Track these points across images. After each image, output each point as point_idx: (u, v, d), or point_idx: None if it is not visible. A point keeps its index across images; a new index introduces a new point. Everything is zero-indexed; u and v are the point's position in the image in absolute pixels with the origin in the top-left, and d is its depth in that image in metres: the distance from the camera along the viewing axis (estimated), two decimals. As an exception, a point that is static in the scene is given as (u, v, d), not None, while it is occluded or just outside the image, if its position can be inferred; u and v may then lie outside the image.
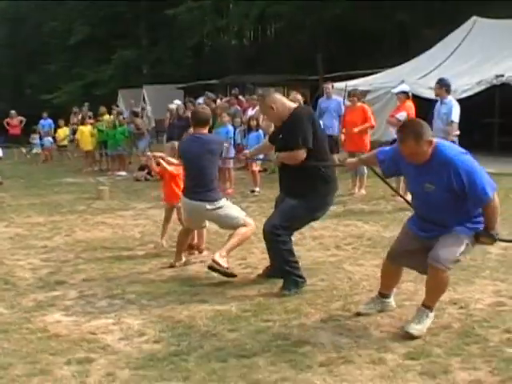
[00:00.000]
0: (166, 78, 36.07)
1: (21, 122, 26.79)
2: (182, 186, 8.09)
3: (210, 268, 7.04)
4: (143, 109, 28.85)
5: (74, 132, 23.30)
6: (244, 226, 7.32)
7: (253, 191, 14.02)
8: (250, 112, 18.06)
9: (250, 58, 40.61)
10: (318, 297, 6.43)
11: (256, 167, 14.28)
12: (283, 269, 6.68)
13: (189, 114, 19.14)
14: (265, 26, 44.04)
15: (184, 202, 7.57)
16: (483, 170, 5.08)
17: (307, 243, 8.88)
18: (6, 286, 7.22)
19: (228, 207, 7.44)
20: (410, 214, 5.87)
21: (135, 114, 21.65)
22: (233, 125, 16.25)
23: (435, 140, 5.11)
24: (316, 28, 32.92)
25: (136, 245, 9.28)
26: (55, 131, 24.72)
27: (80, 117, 23.95)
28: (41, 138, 25.42)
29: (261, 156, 8.17)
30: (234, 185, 14.80)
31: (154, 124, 25.30)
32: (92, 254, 8.78)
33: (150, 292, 6.80)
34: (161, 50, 41.41)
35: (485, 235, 5.18)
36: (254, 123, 15.00)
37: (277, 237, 6.57)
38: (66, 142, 22.94)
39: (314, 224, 8.25)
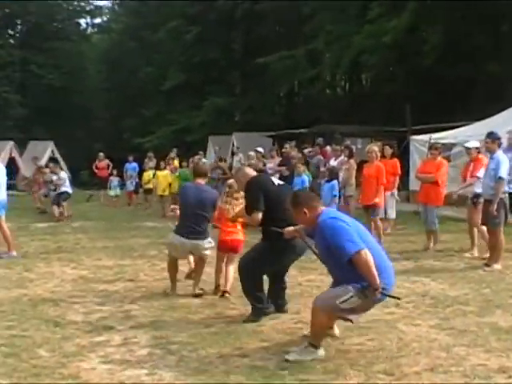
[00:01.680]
0: (257, 126, 36.35)
1: (108, 165, 27.42)
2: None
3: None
4: (233, 153, 29.16)
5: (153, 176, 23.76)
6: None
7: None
8: (332, 162, 17.89)
9: (342, 108, 40.54)
10: (363, 357, 6.18)
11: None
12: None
13: (268, 163, 19.28)
14: (358, 75, 43.97)
15: (177, 239, 8.82)
16: (348, 230, 5.91)
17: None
18: (54, 329, 7.29)
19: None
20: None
21: (221, 159, 21.87)
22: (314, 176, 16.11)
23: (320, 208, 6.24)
24: (407, 78, 32.59)
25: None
26: (140, 174, 25.20)
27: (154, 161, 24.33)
28: (124, 182, 25.97)
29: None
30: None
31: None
32: (148, 300, 8.77)
33: (192, 343, 6.71)
34: (253, 98, 41.80)
35: (367, 289, 5.87)
36: (325, 173, 14.81)
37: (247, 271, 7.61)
38: (150, 186, 23.28)
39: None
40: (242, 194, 8.37)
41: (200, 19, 42.82)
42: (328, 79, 42.79)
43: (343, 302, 5.91)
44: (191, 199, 8.81)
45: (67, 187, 21.41)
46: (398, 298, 6.70)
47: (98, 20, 62.77)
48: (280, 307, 7.97)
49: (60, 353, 6.38)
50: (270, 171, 18.60)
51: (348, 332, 6.92)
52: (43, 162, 29.24)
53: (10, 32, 55.91)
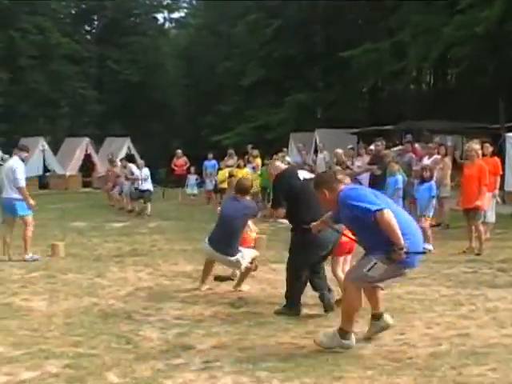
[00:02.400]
0: (340, 122, 35.42)
1: (186, 163, 26.93)
2: None
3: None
4: (317, 151, 28.35)
5: (230, 175, 23.10)
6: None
7: (423, 250, 12.78)
8: (426, 161, 16.88)
9: (427, 104, 39.21)
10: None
11: (426, 222, 13.04)
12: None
13: (356, 161, 18.41)
14: (445, 70, 42.51)
15: (207, 247, 9.23)
16: (368, 195, 6.32)
17: (479, 317, 7.70)
18: (126, 347, 6.57)
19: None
20: None
21: (304, 163, 21.22)
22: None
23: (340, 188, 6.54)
24: (500, 72, 31.05)
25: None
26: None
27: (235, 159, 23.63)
28: (203, 180, 25.42)
29: None
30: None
31: (323, 170, 24.53)
32: (232, 313, 8.06)
33: (285, 369, 5.89)
34: (336, 93, 40.78)
35: (391, 251, 6.07)
36: (427, 174, 13.77)
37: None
38: (225, 185, 22.57)
39: (489, 293, 7.08)
40: None
41: (280, 12, 42.08)
42: (414, 74, 41.45)
43: (369, 269, 6.23)
44: (225, 212, 9.28)
45: (149, 183, 21.52)
46: (427, 251, 6.95)
47: (175, 15, 62.76)
48: (328, 300, 8.00)
49: (132, 378, 5.63)
50: (358, 170, 17.80)
51: (463, 359, 6.09)
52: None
53: (87, 28, 56.16)
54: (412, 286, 9.52)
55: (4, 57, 42.44)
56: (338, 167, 16.63)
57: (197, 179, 25.38)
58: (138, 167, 22.33)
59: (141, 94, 50.40)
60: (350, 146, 19.50)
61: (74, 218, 19.70)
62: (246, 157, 22.84)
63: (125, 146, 35.47)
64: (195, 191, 25.14)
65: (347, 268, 8.12)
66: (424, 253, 6.70)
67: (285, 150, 24.58)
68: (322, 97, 41.58)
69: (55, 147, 37.00)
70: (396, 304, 8.39)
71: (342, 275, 8.00)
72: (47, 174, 33.90)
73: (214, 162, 25.53)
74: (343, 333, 6.40)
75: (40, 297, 8.96)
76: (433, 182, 13.77)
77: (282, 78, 42.38)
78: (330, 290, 8.18)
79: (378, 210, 6.07)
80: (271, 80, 43.06)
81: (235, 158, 23.92)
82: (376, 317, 6.86)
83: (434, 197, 13.43)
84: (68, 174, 34.20)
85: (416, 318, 7.65)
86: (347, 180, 7.47)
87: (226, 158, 24.62)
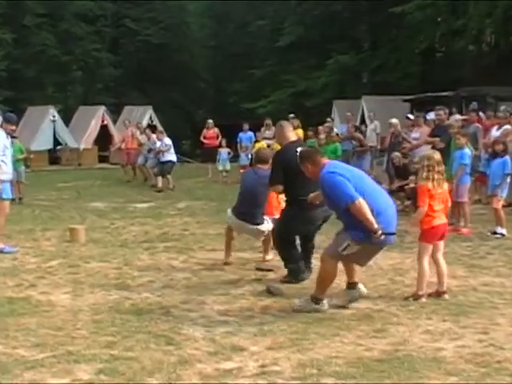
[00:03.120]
0: (388, 88, 35.04)
1: (217, 135, 26.73)
2: None
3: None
4: (364, 121, 28.08)
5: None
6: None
7: (494, 233, 12.56)
8: (494, 133, 16.50)
9: (489, 67, 38.53)
10: None
11: (498, 203, 12.76)
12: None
13: (413, 133, 18.09)
14: (508, 28, 41.73)
15: (232, 219, 10.22)
16: (343, 184, 7.42)
17: None
18: (167, 348, 6.42)
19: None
20: None
21: (356, 128, 20.87)
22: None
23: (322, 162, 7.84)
24: None
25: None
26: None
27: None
28: (236, 154, 25.21)
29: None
30: (471, 223, 13.36)
31: (374, 142, 24.20)
32: (285, 307, 7.89)
33: (353, 375, 5.73)
34: (384, 55, 40.38)
35: (370, 236, 7.34)
36: (500, 147, 13.41)
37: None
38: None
39: None
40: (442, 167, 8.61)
41: (321, -39, 41.76)
42: (474, 33, 40.76)
43: (343, 249, 7.49)
44: (248, 185, 10.25)
45: (172, 154, 22.06)
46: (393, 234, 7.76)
47: (200, -34, 62.42)
48: (307, 269, 9.38)
49: (180, 386, 5.47)
50: (416, 142, 17.49)
51: None
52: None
53: (101, -19, 56.16)
54: (488, 276, 9.42)
55: (7, 15, 42.30)
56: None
57: (229, 153, 25.11)
58: (157, 137, 22.75)
59: (162, 58, 50.23)
60: (410, 116, 19.15)
61: (91, 197, 19.68)
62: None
63: (146, 115, 35.26)
64: (228, 167, 24.87)
65: (440, 256, 8.42)
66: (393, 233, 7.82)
67: (329, 120, 24.22)
68: (369, 59, 41.24)
69: (66, 117, 36.80)
70: (472, 297, 8.28)
71: (442, 262, 8.39)
72: (58, 147, 33.76)
73: (250, 133, 25.24)
74: (316, 300, 7.70)
75: (61, 289, 8.88)
76: (507, 157, 13.43)
77: (323, 37, 42.08)
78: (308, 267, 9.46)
79: (348, 203, 7.35)
80: (311, 40, 42.74)
81: (273, 128, 23.68)
82: (351, 286, 8.11)
83: (508, 174, 13.11)
84: (82, 147, 34.03)
85: (498, 315, 7.50)
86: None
87: (262, 129, 24.37)
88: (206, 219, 15.21)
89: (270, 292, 8.51)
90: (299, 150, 8.62)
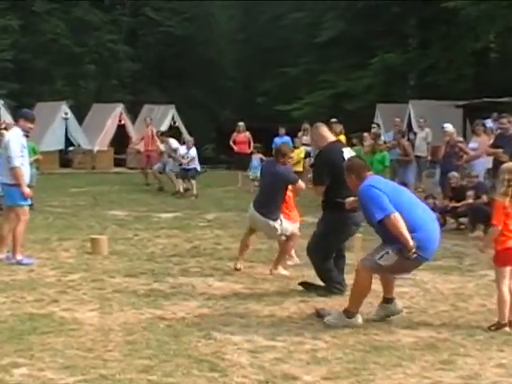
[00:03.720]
0: (438, 92, 34.96)
1: (249, 140, 26.81)
2: None
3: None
4: (411, 129, 27.95)
5: (306, 155, 22.83)
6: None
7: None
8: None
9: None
10: None
11: None
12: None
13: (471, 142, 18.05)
14: None
15: (251, 209, 11.33)
16: (378, 197, 8.10)
17: None
18: (212, 375, 6.48)
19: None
20: None
21: (402, 134, 20.82)
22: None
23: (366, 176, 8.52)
24: None
25: (402, 326, 8.31)
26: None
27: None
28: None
29: None
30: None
31: (425, 152, 24.10)
32: (337, 332, 7.95)
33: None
34: (434, 55, 40.19)
35: (403, 250, 7.92)
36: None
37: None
38: (300, 168, 22.20)
39: None
40: None
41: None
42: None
43: (381, 257, 8.05)
44: (266, 179, 11.49)
45: (196, 165, 23.18)
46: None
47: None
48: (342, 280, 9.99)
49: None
50: (475, 154, 17.49)
51: None
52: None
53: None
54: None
55: (15, -1, 42.57)
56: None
57: (262, 160, 25.12)
58: (187, 145, 23.42)
59: (184, 52, 50.27)
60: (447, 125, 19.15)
61: (109, 205, 19.83)
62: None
63: (168, 115, 35.29)
64: (256, 175, 24.93)
65: None
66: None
67: (374, 125, 24.18)
68: (417, 58, 41.02)
69: (79, 115, 36.89)
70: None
71: None
72: (70, 148, 33.96)
73: (286, 138, 25.25)
74: (349, 314, 8.26)
75: (87, 306, 8.97)
76: None
77: (366, 33, 41.84)
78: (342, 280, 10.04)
79: (384, 217, 7.98)
80: (353, 36, 42.53)
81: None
82: (387, 300, 8.64)
83: None
84: (96, 149, 34.16)
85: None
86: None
87: (299, 134, 24.42)
88: (239, 232, 15.12)
89: (319, 316, 8.54)
90: (349, 157, 9.36)
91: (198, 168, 23.32)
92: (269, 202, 11.05)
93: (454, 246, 13.81)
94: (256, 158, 25.00)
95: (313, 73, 44.61)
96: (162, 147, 23.91)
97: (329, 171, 9.64)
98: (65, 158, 33.53)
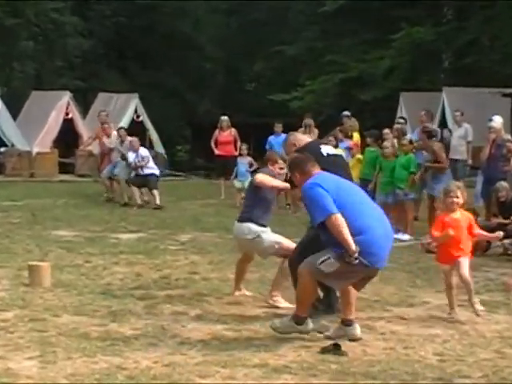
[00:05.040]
0: (480, 77, 35.09)
1: (235, 139, 26.86)
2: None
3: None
4: (443, 123, 28.02)
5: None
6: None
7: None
8: None
9: None
10: None
11: None
12: None
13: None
14: None
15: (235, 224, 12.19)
16: (320, 197, 9.19)
17: None
18: None
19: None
20: None
21: (430, 135, 20.78)
22: None
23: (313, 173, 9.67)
24: None
25: (432, 378, 8.36)
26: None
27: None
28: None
29: None
30: None
31: (463, 155, 24.11)
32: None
33: None
34: (475, 29, 40.49)
35: (344, 254, 8.97)
36: None
37: None
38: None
39: None
40: None
41: None
42: None
43: (322, 262, 9.14)
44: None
45: (152, 168, 24.03)
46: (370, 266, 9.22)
47: None
48: (333, 305, 10.88)
49: None
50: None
51: None
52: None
53: None
54: None
55: None
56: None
57: (251, 165, 25.22)
58: (130, 146, 24.19)
59: (151, 25, 50.62)
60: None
61: (53, 223, 19.89)
62: (337, 130, 22.60)
63: (130, 107, 35.54)
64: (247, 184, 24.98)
65: None
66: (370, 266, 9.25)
67: (401, 120, 24.22)
68: (453, 33, 41.24)
69: (13, 106, 36.82)
70: None
71: None
72: (1, 149, 34.00)
73: (283, 136, 25.32)
74: (298, 319, 9.52)
75: (24, 354, 8.95)
76: None
77: (386, 1, 42.09)
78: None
79: (326, 217, 9.06)
80: (369, 4, 42.76)
81: (316, 131, 23.79)
82: (345, 322, 9.50)
83: None
84: (36, 150, 34.24)
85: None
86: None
87: (300, 132, 24.49)
88: (221, 258, 15.42)
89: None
90: (295, 155, 10.59)
91: (156, 172, 24.07)
92: (253, 208, 11.87)
93: (500, 276, 13.90)
94: (243, 163, 25.13)
95: (317, 52, 44.87)
96: (109, 142, 24.57)
97: None
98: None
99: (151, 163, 23.87)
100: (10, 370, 8.33)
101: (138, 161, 23.42)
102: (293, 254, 10.92)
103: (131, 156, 23.71)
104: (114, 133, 25.12)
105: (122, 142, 24.45)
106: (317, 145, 11.53)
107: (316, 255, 9.26)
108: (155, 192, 23.13)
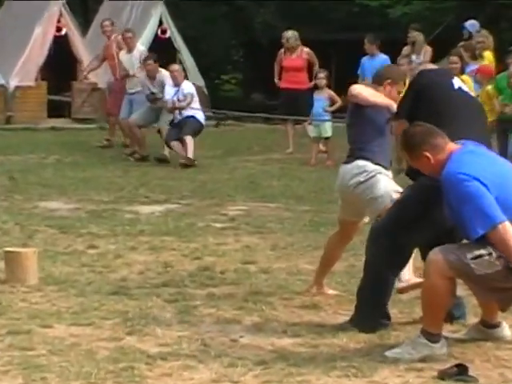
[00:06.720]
0: None
1: (308, 64, 26.98)
2: None
3: None
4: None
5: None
6: None
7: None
8: None
9: None
10: None
11: None
12: None
13: None
14: None
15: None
16: (481, 199, 8.74)
17: None
18: None
19: None
20: None
21: None
22: None
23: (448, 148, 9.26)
24: None
25: None
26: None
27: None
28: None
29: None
30: None
31: None
32: None
33: None
34: None
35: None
36: None
37: None
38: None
39: None
40: None
41: None
42: None
43: (475, 258, 8.83)
44: None
45: (196, 110, 23.69)
46: None
47: None
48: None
49: None
50: None
51: None
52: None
53: None
54: None
55: None
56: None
57: (332, 100, 25.31)
58: (172, 77, 24.14)
59: None
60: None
61: (41, 190, 20.17)
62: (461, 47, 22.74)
63: (152, 19, 35.61)
64: (329, 131, 25.06)
65: None
66: None
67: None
68: None
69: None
70: None
71: None
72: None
73: (383, 58, 25.51)
74: (430, 336, 9.25)
75: (2, 381, 9.02)
76: None
77: None
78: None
79: (486, 229, 8.76)
80: None
81: (428, 49, 23.94)
82: (489, 325, 9.97)
83: None
84: (14, 84, 34.56)
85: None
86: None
87: (404, 50, 24.69)
88: (289, 240, 15.46)
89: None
90: (408, 127, 10.03)
91: (200, 115, 23.79)
92: (355, 142, 12.09)
93: None
94: (321, 99, 25.20)
95: None
96: (128, 65, 24.36)
97: (414, 101, 10.59)
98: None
99: (196, 103, 23.63)
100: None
101: (178, 99, 23.20)
102: (384, 219, 10.73)
103: (169, 91, 23.60)
104: (140, 46, 24.71)
105: (149, 77, 24.36)
106: (446, 74, 11.44)
107: (461, 247, 9.06)
108: (188, 139, 22.79)
